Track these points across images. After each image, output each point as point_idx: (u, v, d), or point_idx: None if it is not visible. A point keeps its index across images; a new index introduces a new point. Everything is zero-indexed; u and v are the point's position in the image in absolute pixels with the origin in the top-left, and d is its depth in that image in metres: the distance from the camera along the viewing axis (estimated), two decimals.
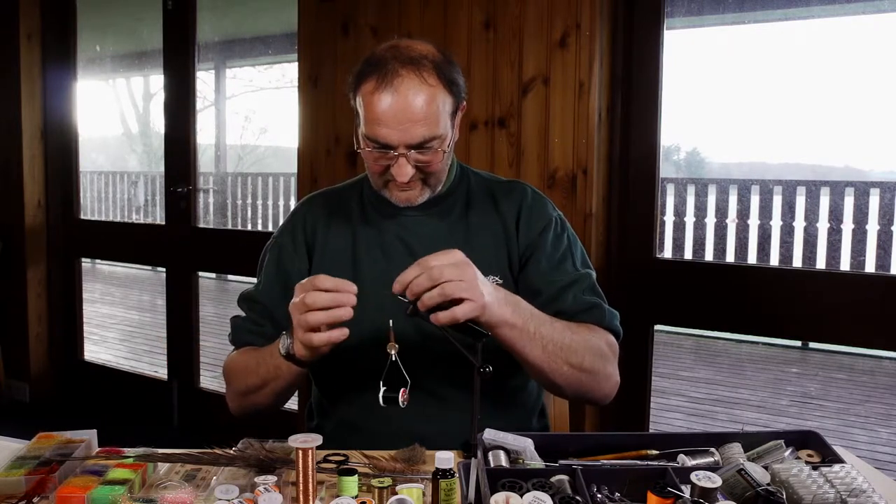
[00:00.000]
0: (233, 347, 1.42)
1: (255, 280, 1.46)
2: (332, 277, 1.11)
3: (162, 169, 3.60)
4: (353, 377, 1.32)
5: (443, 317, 1.07)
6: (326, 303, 1.09)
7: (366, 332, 1.27)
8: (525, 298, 1.32)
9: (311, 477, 0.97)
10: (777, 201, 5.38)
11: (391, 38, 1.29)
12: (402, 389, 1.18)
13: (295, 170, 2.90)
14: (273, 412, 1.39)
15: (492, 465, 0.96)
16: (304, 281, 1.13)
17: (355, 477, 0.98)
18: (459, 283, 1.07)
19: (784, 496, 0.85)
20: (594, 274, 1.38)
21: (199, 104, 3.51)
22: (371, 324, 1.27)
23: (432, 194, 1.33)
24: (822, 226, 5.16)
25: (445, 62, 1.26)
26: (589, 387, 1.26)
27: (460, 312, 1.07)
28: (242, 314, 1.41)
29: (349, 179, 1.50)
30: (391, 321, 1.18)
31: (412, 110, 1.21)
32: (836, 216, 5.13)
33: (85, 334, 4.08)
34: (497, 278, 1.33)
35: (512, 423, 1.20)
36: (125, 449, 1.12)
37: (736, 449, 1.02)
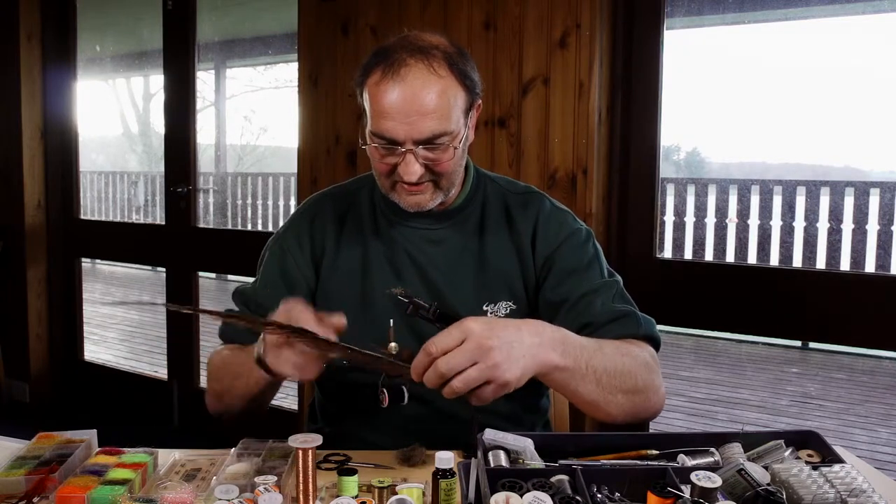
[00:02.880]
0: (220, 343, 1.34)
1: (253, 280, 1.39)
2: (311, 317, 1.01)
3: (162, 169, 3.60)
4: (356, 386, 1.28)
5: (479, 400, 0.97)
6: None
7: (372, 343, 1.27)
8: (546, 314, 1.26)
9: (311, 477, 0.96)
10: (777, 201, 5.39)
11: (392, 38, 1.24)
12: (403, 386, 1.18)
13: (295, 170, 2.90)
14: (246, 418, 1.31)
15: (492, 465, 0.95)
16: (288, 309, 1.03)
17: (355, 477, 0.98)
18: (471, 371, 0.94)
19: (784, 496, 0.85)
20: (622, 281, 1.30)
21: (199, 104, 3.51)
22: (378, 336, 1.26)
23: (444, 198, 1.25)
24: (822, 226, 5.17)
25: (458, 54, 1.18)
26: (642, 407, 1.14)
27: (486, 397, 0.97)
28: (236, 310, 1.33)
29: (359, 175, 1.42)
30: (391, 321, 1.18)
31: (420, 102, 1.12)
32: (836, 216, 5.13)
33: (85, 334, 4.08)
34: (511, 304, 1.28)
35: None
36: (125, 449, 1.12)
37: (736, 449, 1.02)
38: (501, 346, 0.95)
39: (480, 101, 1.25)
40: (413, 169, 1.16)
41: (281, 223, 1.42)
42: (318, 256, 1.33)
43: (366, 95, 1.18)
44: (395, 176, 1.20)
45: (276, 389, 1.22)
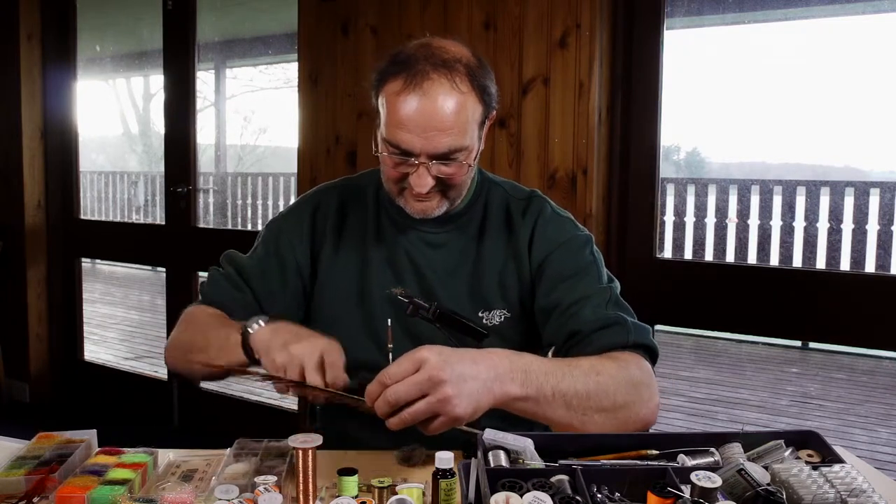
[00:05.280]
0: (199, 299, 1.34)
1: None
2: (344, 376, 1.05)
3: (162, 169, 3.60)
4: (356, 391, 1.29)
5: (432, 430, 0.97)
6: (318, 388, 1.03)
7: (372, 347, 1.26)
8: (539, 321, 1.25)
9: (311, 477, 0.96)
10: (777, 201, 5.39)
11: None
12: None
13: (295, 170, 2.90)
14: (195, 383, 1.31)
15: (492, 465, 0.95)
16: (327, 352, 1.04)
17: (355, 477, 0.98)
18: (420, 404, 0.94)
19: (784, 496, 0.85)
20: (619, 286, 1.26)
21: (199, 104, 3.51)
22: (377, 339, 1.26)
23: (450, 207, 1.25)
24: (822, 226, 5.17)
25: (479, 67, 1.17)
26: (626, 421, 1.11)
27: (434, 429, 0.97)
28: (222, 270, 1.34)
29: (368, 169, 1.40)
30: (389, 321, 1.18)
31: (440, 117, 1.11)
32: (836, 216, 5.14)
33: (85, 334, 4.08)
34: (505, 311, 1.27)
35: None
36: (125, 449, 1.12)
37: (736, 449, 1.02)
38: (453, 379, 0.94)
39: (495, 112, 1.24)
40: (425, 181, 1.16)
41: (291, 205, 1.41)
42: (316, 246, 1.33)
43: (382, 101, 1.16)
44: (404, 183, 1.20)
45: (237, 374, 1.21)
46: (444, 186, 1.20)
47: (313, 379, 1.02)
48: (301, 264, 1.33)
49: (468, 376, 0.96)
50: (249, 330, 1.13)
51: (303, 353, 1.04)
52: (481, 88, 1.16)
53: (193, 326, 1.28)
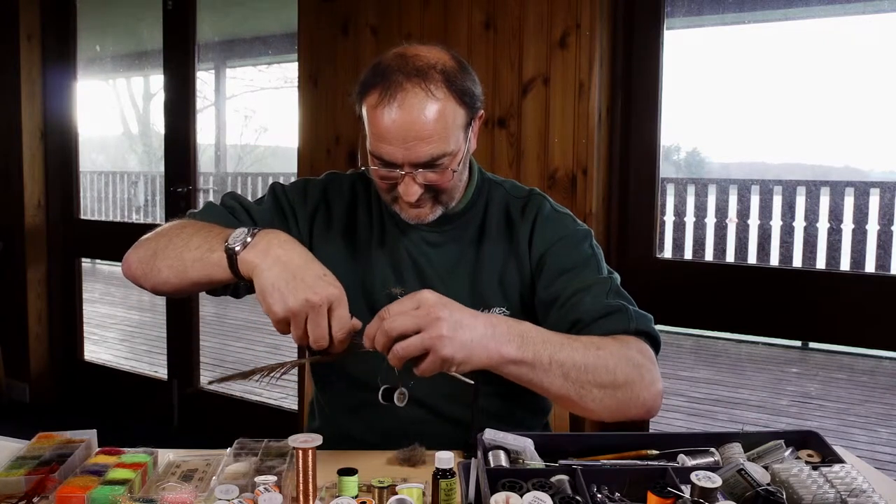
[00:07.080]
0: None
1: None
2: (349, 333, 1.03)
3: (162, 169, 3.60)
4: (355, 388, 1.28)
5: (421, 370, 0.98)
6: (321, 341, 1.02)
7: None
8: (541, 313, 1.25)
9: (311, 477, 0.96)
10: (777, 201, 5.40)
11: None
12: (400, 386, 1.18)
13: (295, 170, 2.90)
14: (155, 291, 1.21)
15: (492, 465, 0.95)
16: (336, 303, 1.01)
17: (355, 477, 0.98)
18: (413, 339, 0.96)
19: (784, 496, 0.85)
20: (619, 278, 1.26)
21: (199, 104, 3.51)
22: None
23: (445, 210, 1.26)
24: (822, 226, 5.18)
25: (457, 70, 1.17)
26: (627, 403, 1.09)
27: (423, 368, 0.98)
28: (222, 202, 1.33)
29: None
30: None
31: (417, 127, 1.12)
32: (836, 216, 5.14)
33: (85, 334, 4.08)
34: (504, 310, 1.27)
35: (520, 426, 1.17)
36: (125, 449, 1.12)
37: (736, 449, 1.02)
38: (450, 321, 0.97)
39: (482, 111, 1.24)
40: (412, 190, 1.17)
41: (303, 178, 1.40)
42: (313, 221, 1.33)
43: (364, 113, 1.18)
44: (395, 192, 1.20)
45: (212, 286, 1.17)
46: (434, 192, 1.20)
47: (315, 331, 1.00)
48: (301, 231, 1.33)
49: (465, 325, 0.98)
50: (237, 248, 1.06)
51: (307, 307, 1.00)
52: (460, 92, 1.15)
53: (170, 231, 1.21)
